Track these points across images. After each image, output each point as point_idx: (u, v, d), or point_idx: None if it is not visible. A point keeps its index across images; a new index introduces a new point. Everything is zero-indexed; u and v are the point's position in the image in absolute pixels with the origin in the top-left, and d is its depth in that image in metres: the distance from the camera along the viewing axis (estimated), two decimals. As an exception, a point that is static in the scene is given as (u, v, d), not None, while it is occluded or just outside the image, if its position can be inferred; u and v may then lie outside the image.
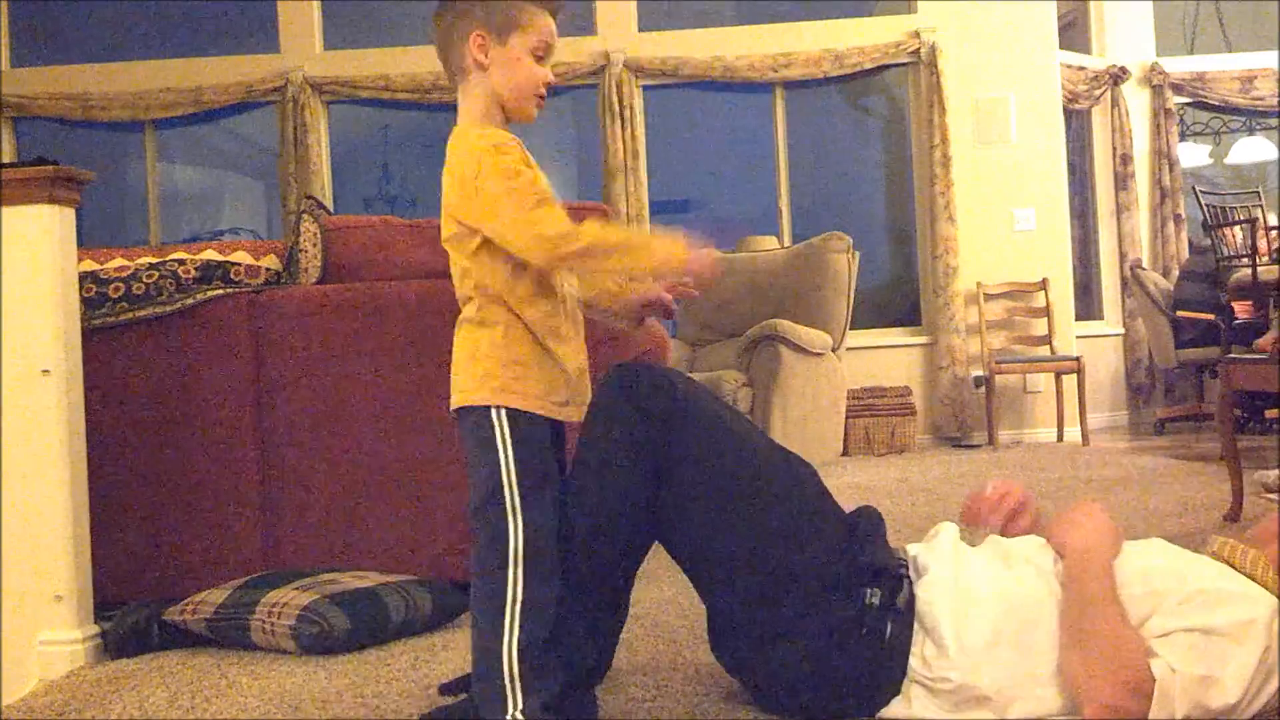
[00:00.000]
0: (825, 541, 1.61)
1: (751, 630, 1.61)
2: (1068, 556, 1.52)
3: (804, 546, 1.59)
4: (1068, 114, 6.73)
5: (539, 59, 1.71)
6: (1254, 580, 1.49)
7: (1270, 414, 5.41)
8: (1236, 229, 5.96)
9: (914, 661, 1.55)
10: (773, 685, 1.63)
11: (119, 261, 2.70)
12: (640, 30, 6.53)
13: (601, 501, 1.63)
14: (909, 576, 1.61)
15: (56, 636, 2.14)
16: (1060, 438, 6.16)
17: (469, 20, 1.66)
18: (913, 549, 1.70)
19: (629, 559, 1.69)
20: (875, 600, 1.56)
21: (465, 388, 1.61)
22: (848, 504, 1.75)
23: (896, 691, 1.55)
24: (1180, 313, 6.00)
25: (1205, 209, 6.05)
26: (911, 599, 1.58)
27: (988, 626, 1.51)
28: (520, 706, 1.50)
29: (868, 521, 1.69)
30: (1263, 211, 6.10)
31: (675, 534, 1.67)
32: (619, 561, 1.68)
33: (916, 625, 1.56)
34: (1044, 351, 6.28)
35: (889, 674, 1.55)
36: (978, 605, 1.53)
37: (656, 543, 1.72)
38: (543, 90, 1.73)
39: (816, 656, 1.56)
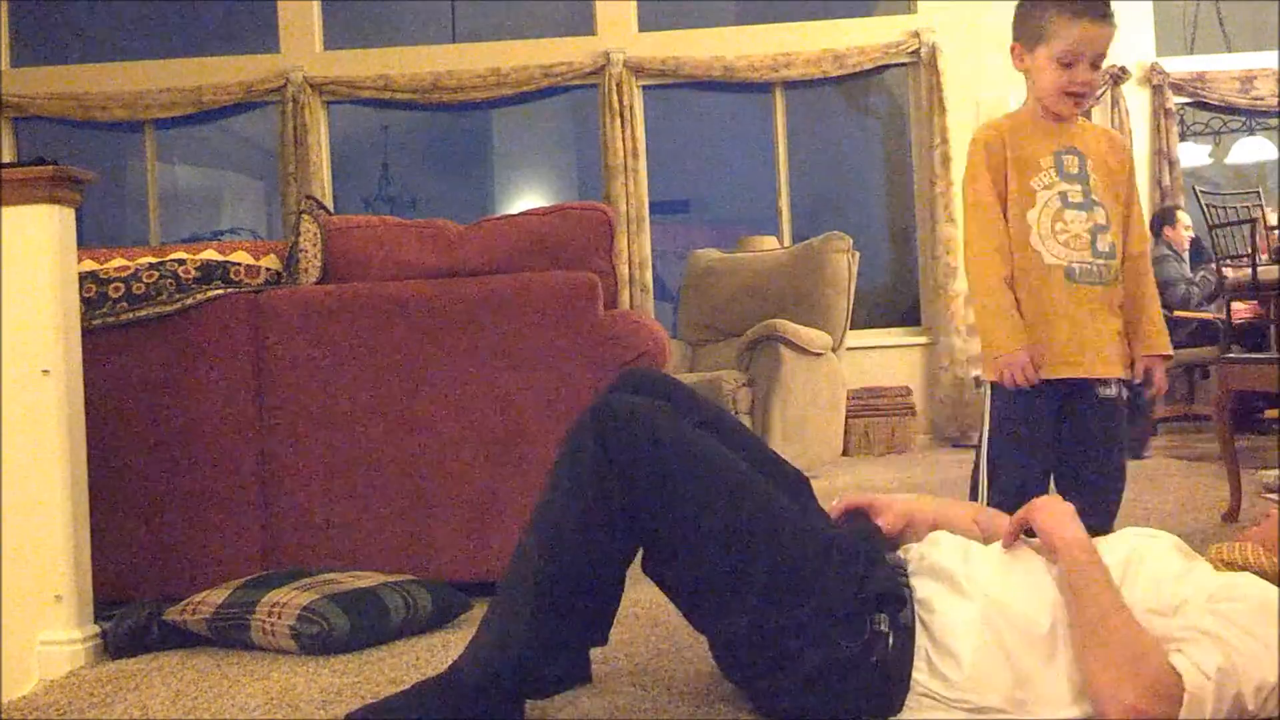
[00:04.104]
0: (825, 576, 1.55)
1: (753, 658, 1.59)
2: (1060, 558, 1.51)
3: (801, 586, 1.54)
4: (1068, 114, 6.72)
5: (1067, 65, 2.10)
6: (1257, 571, 1.49)
7: (1270, 414, 5.41)
8: (1230, 229, 5.96)
9: (920, 676, 1.52)
10: (774, 702, 1.62)
11: (119, 261, 2.70)
12: (640, 30, 6.54)
13: (561, 549, 1.58)
14: (910, 587, 1.59)
15: (56, 636, 2.13)
16: (1060, 438, 6.15)
17: (1013, 30, 2.14)
18: (913, 551, 1.67)
19: (595, 587, 1.63)
20: (884, 626, 1.53)
21: None
22: (848, 504, 1.74)
23: (900, 704, 1.53)
24: (1178, 312, 6.00)
25: (1205, 209, 6.06)
26: (913, 611, 1.56)
27: (999, 640, 1.49)
28: None
29: (868, 541, 1.64)
30: (1263, 211, 6.10)
31: (664, 573, 1.64)
32: (582, 589, 1.62)
33: (920, 635, 1.54)
34: (1044, 351, 6.27)
35: (893, 688, 1.53)
36: (990, 619, 1.51)
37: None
38: (1074, 89, 2.11)
39: (822, 681, 1.54)
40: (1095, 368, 2.17)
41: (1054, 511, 1.55)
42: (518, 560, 1.63)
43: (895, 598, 1.55)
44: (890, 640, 1.53)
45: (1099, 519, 2.09)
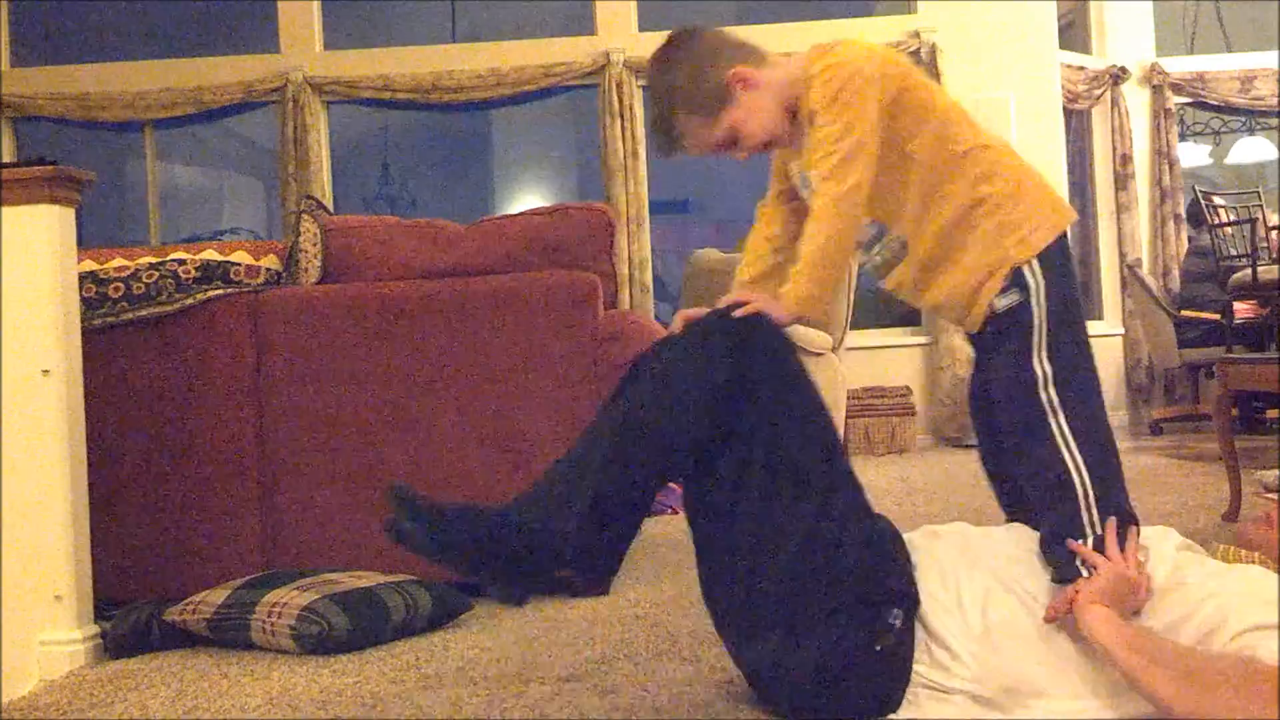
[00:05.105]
0: (859, 554, 1.57)
1: (761, 625, 1.59)
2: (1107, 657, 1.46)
3: (839, 556, 1.55)
4: (1067, 114, 6.73)
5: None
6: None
7: (1271, 414, 5.40)
8: (1231, 229, 5.96)
9: (920, 667, 1.54)
10: (773, 682, 1.62)
11: (119, 261, 2.69)
12: (640, 29, 6.53)
13: (655, 419, 1.57)
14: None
15: (56, 636, 2.13)
16: (1060, 438, 6.14)
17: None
18: (915, 541, 1.68)
19: (656, 478, 1.62)
20: (897, 622, 1.55)
21: None
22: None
23: (900, 697, 1.55)
24: (1185, 312, 6.00)
25: (1198, 194, 6.06)
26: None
27: (992, 635, 1.50)
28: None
29: (893, 535, 1.66)
30: (1263, 211, 6.10)
31: (710, 501, 1.63)
32: (647, 477, 1.61)
33: (919, 628, 1.56)
34: (1044, 351, 6.27)
35: (894, 682, 1.55)
36: (982, 613, 1.52)
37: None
38: None
39: (827, 666, 1.55)
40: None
41: (1087, 615, 1.48)
42: (612, 421, 1.60)
43: (909, 596, 1.57)
44: (895, 635, 1.54)
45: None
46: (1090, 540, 1.60)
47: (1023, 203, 1.76)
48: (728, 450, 1.59)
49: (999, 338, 1.78)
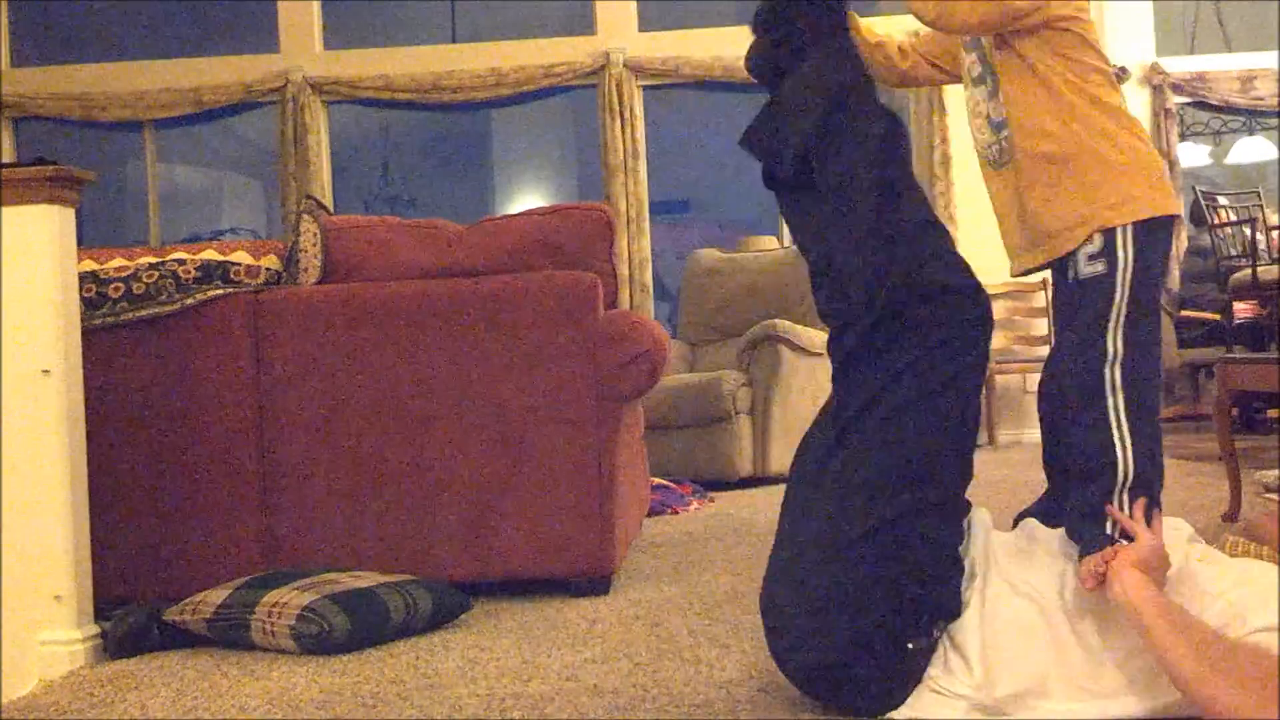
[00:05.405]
0: (927, 564, 1.57)
1: (809, 593, 1.59)
2: (1133, 622, 1.47)
3: (906, 556, 1.55)
4: (1068, 114, 6.72)
5: None
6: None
7: (1271, 414, 5.40)
8: (1231, 229, 5.96)
9: (934, 671, 1.54)
10: (795, 651, 1.62)
11: (119, 261, 2.70)
12: (640, 30, 6.53)
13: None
14: None
15: (56, 636, 2.13)
16: (1060, 438, 6.15)
17: None
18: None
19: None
20: (937, 633, 1.56)
21: None
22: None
23: (905, 698, 1.55)
24: (1185, 312, 6.00)
25: (1200, 194, 6.06)
26: None
27: (1016, 641, 1.51)
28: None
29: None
30: (1262, 211, 6.10)
31: (817, 451, 1.66)
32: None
33: (943, 636, 1.57)
34: (1044, 351, 6.28)
35: (906, 682, 1.55)
36: (1006, 620, 1.52)
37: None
38: None
39: (852, 654, 1.55)
40: (1019, 261, 2.00)
41: (1123, 576, 1.49)
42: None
43: (954, 613, 1.57)
44: (930, 640, 1.56)
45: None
46: None
47: (1129, 177, 1.75)
48: (873, 411, 1.59)
49: (1080, 300, 1.77)
